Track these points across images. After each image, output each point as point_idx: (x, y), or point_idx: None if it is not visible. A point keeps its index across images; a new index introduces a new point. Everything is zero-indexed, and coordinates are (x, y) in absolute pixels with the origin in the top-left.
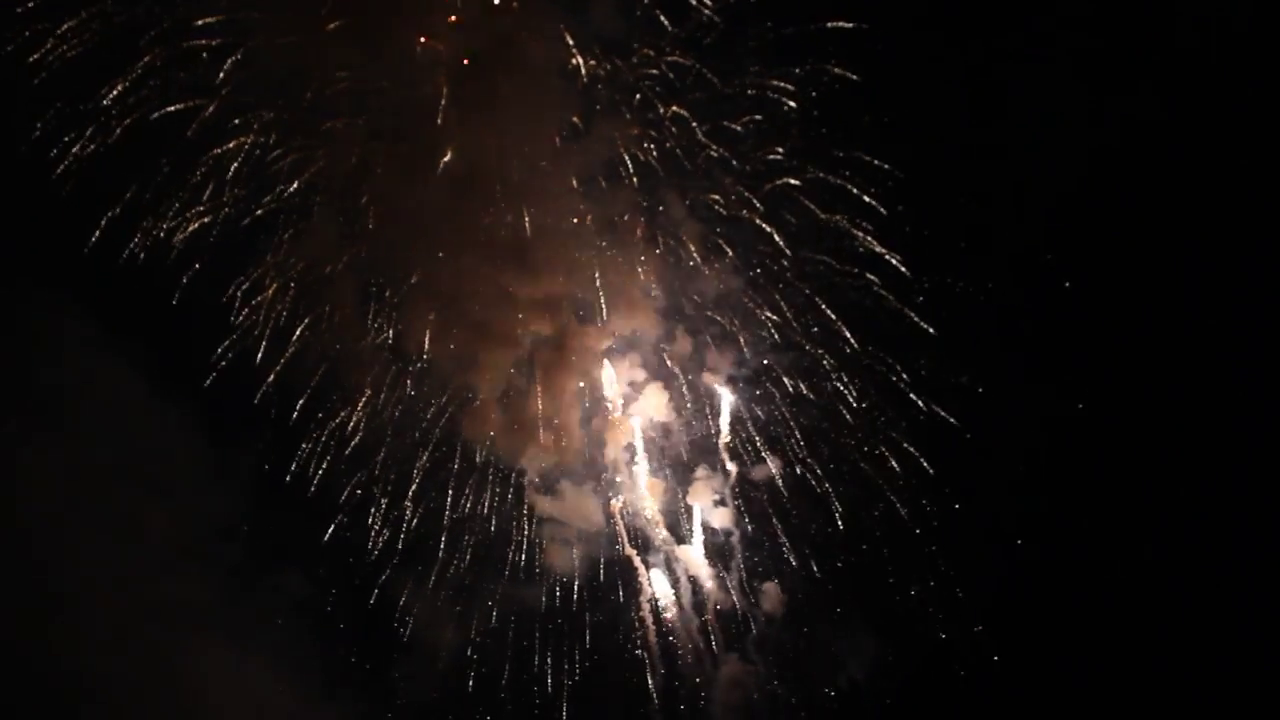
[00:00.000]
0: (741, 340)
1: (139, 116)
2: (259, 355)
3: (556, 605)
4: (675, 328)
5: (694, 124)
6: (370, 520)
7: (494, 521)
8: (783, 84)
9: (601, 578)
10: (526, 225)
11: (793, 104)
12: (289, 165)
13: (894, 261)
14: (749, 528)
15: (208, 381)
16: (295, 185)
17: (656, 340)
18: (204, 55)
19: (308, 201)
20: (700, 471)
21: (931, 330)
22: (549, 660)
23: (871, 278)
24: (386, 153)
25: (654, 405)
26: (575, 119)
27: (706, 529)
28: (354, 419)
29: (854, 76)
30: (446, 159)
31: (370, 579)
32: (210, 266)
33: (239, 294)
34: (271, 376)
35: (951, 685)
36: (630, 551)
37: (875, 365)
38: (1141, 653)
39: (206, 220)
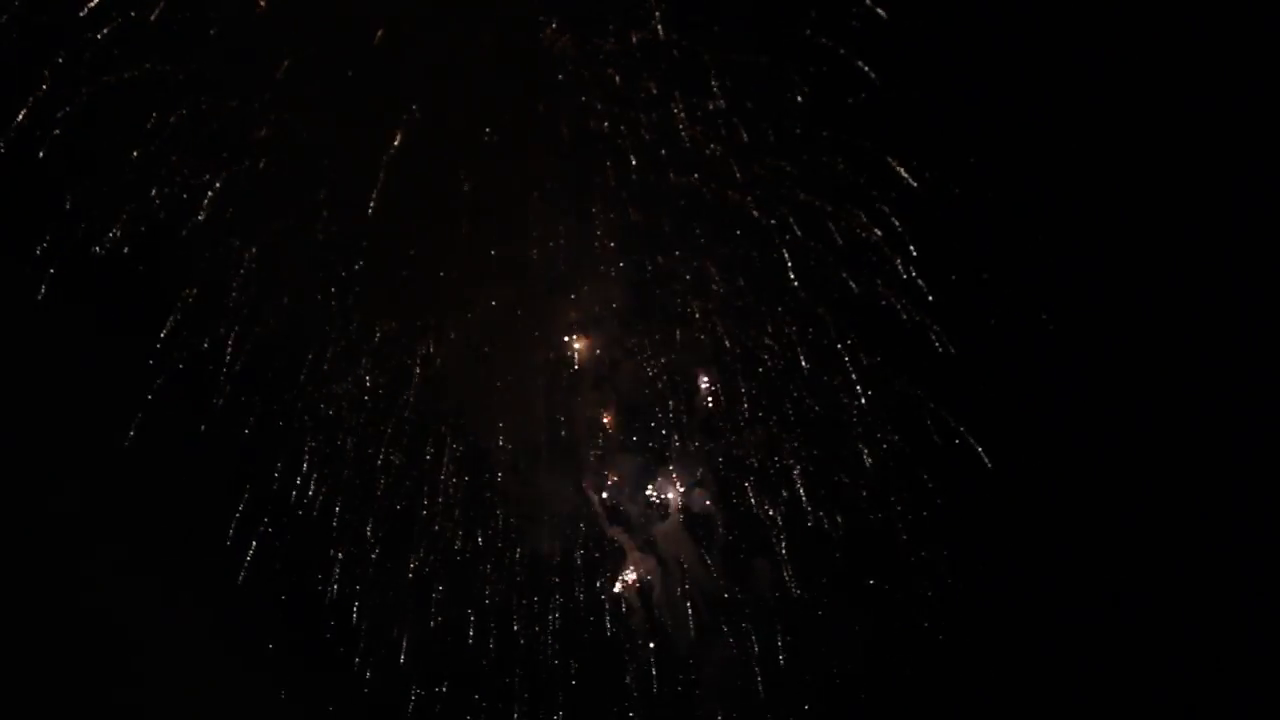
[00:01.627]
0: (718, 322)
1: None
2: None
3: (534, 593)
4: (652, 305)
5: (674, 104)
6: (334, 515)
7: (465, 506)
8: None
9: (579, 561)
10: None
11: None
12: (240, 143)
13: (889, 251)
14: (729, 507)
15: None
16: (246, 165)
17: (632, 316)
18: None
19: (261, 179)
20: (678, 450)
21: (940, 342)
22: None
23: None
24: (343, 121)
25: (628, 381)
26: (548, 98)
27: (686, 509)
28: (318, 406)
29: (844, 54)
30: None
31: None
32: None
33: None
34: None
35: (947, 676)
36: (609, 532)
37: (856, 350)
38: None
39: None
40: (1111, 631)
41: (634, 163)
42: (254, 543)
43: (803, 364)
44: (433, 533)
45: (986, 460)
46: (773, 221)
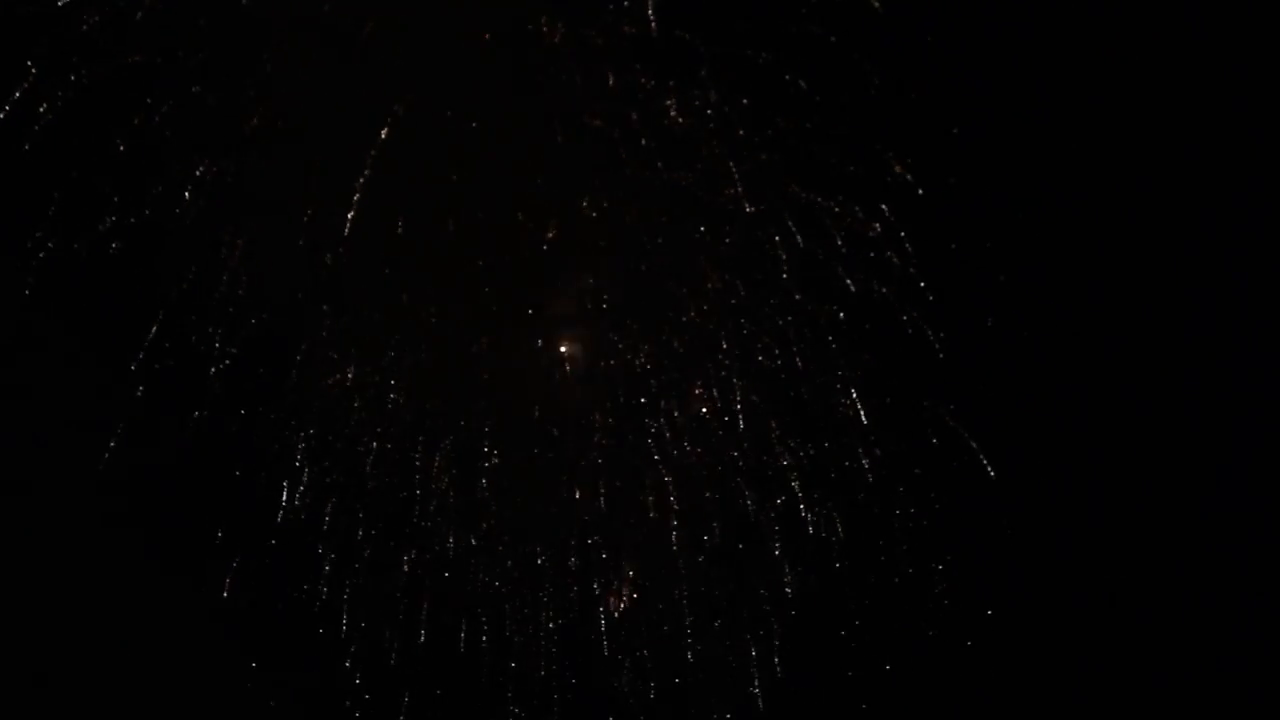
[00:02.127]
0: (712, 319)
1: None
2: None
3: (528, 595)
4: (646, 303)
5: (668, 99)
6: (324, 515)
7: (456, 506)
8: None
9: (573, 563)
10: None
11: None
12: (229, 136)
13: (888, 249)
14: (726, 509)
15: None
16: (235, 160)
17: (625, 313)
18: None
19: (249, 172)
20: (673, 450)
21: (940, 343)
22: (521, 661)
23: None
24: (332, 114)
25: (621, 379)
26: (540, 92)
27: (681, 510)
28: (306, 405)
29: (835, 42)
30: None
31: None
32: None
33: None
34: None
35: (949, 685)
36: (603, 533)
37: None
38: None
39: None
40: (1118, 640)
41: (626, 158)
42: (242, 543)
43: (799, 363)
44: (424, 533)
45: (989, 466)
46: (769, 218)
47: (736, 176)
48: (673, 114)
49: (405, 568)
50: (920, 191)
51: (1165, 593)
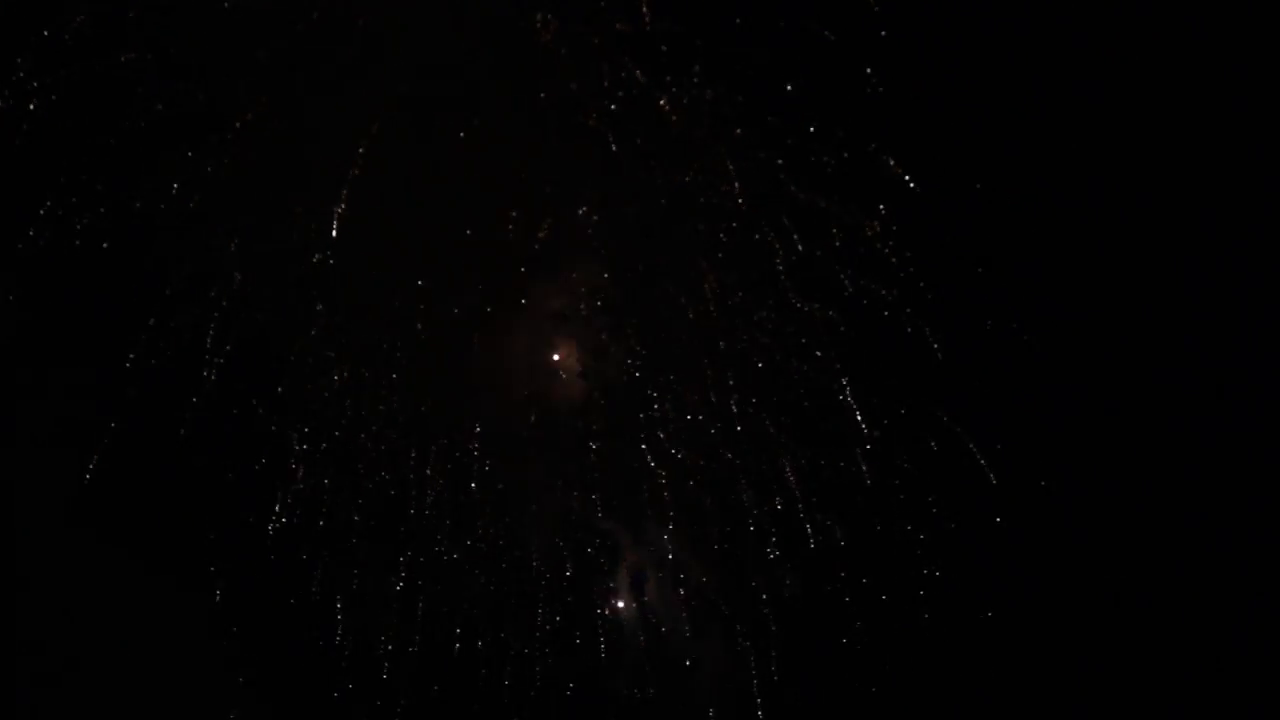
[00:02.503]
0: (709, 319)
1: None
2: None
3: (524, 598)
4: (642, 302)
5: (664, 96)
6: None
7: (451, 507)
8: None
9: (569, 565)
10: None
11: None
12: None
13: (887, 250)
14: (723, 512)
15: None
16: (228, 157)
17: (621, 313)
18: None
19: (242, 169)
20: (668, 442)
21: (939, 345)
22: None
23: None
24: (325, 110)
25: (618, 380)
26: (535, 89)
27: (678, 512)
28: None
29: (832, 40)
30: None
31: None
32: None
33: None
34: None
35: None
36: (600, 536)
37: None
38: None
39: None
40: (1120, 642)
41: (623, 157)
42: (236, 546)
43: (795, 364)
44: (418, 536)
45: (988, 468)
46: (766, 217)
47: (734, 174)
48: (667, 109)
49: (401, 571)
50: (919, 190)
51: (1168, 595)
